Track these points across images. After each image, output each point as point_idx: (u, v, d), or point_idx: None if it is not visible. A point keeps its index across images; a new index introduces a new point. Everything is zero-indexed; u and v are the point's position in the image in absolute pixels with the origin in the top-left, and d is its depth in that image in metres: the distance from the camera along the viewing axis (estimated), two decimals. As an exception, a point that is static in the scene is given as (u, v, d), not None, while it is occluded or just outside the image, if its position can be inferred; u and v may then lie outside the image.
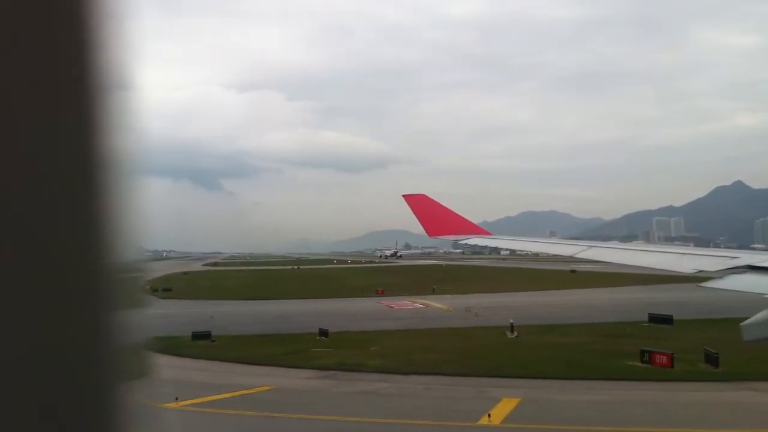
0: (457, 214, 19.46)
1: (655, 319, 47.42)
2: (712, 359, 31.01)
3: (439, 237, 19.42)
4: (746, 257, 11.14)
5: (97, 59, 1.00)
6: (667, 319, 46.63)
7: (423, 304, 65.89)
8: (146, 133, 1.10)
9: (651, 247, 18.31)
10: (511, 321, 44.79)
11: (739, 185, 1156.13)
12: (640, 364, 31.98)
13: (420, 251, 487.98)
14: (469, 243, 19.18)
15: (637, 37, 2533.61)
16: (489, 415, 22.05)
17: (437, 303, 66.17)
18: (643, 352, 32.40)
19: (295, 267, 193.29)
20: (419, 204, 19.45)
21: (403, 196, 19.85)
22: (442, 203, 19.96)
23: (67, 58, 0.97)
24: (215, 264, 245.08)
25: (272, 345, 40.08)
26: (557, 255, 19.65)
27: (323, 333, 43.65)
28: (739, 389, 27.05)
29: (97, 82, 1.00)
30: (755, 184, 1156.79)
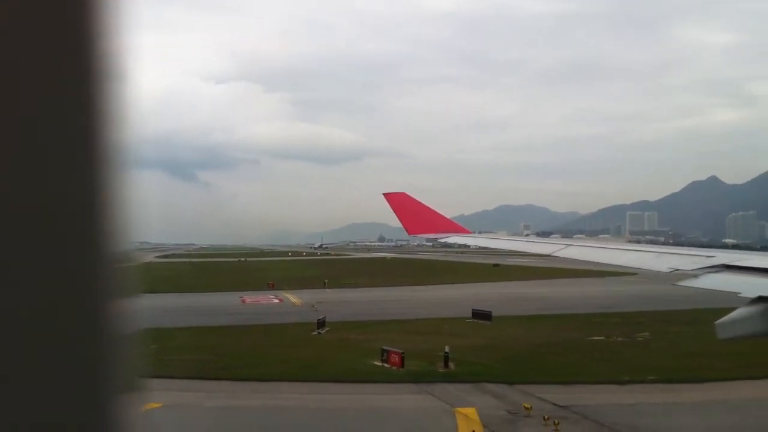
0: (436, 213, 19.26)
1: (477, 315, 46.82)
2: (446, 359, 30.23)
3: (418, 235, 19.57)
4: (722, 256, 11.18)
5: (93, 51, 1.01)
6: (486, 315, 45.98)
7: (280, 299, 64.86)
8: (139, 125, 1.13)
9: (630, 246, 18.06)
10: (321, 317, 43.93)
11: (713, 180, 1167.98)
12: (380, 363, 31.05)
13: (393, 244, 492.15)
14: (448, 242, 19.01)
15: (619, 34, 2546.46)
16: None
17: (296, 298, 65.03)
18: (383, 351, 31.46)
19: (242, 259, 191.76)
20: (399, 202, 19.36)
21: (384, 194, 19.57)
22: (420, 199, 19.81)
23: (62, 50, 0.98)
24: (168, 256, 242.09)
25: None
26: (536, 253, 19.45)
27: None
28: (419, 392, 26.18)
29: (93, 73, 1.01)
30: (729, 180, 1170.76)
